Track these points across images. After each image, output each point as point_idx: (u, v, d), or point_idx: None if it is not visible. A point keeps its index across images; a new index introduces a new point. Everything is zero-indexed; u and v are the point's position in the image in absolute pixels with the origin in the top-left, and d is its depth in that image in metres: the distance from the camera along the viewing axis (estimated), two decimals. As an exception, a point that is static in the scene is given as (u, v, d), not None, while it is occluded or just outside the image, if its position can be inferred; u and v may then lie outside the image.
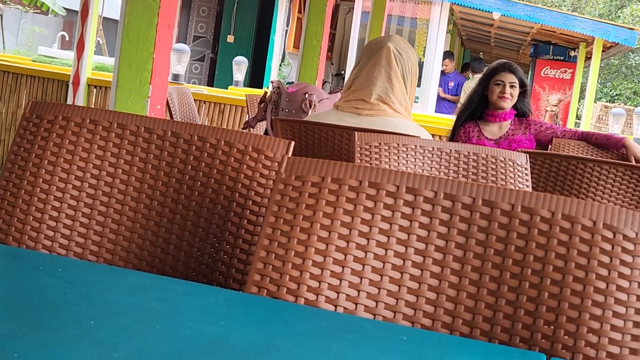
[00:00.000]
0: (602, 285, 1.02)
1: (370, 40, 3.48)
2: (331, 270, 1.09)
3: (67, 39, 14.07)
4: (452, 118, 6.74)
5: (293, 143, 1.32)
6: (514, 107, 3.43)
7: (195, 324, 0.83)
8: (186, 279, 1.22)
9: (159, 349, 0.74)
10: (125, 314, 0.83)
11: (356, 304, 1.09)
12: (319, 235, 1.11)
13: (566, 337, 1.02)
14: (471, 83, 10.12)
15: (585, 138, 3.42)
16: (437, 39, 10.02)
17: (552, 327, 1.02)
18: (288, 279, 1.09)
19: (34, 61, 8.36)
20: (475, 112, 3.49)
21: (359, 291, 1.09)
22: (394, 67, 2.38)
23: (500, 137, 3.40)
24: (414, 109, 3.38)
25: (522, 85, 3.41)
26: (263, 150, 1.34)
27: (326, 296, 1.09)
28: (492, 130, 3.42)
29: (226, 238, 1.32)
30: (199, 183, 1.35)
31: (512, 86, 3.36)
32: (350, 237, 1.11)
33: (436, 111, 9.34)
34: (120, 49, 2.54)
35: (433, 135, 4.96)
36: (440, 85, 9.60)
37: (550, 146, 3.50)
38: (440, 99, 9.69)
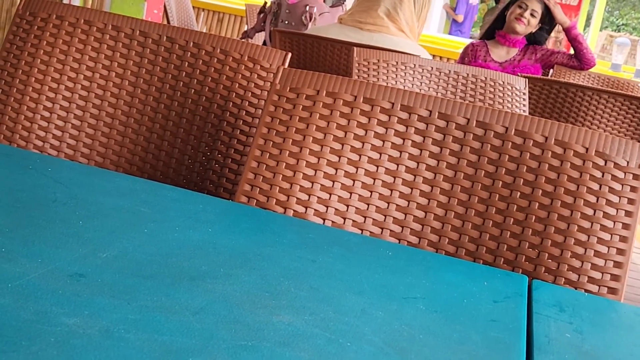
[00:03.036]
0: (589, 211, 1.03)
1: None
2: (321, 184, 1.10)
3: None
4: (457, 39, 6.64)
5: (290, 54, 1.30)
6: (530, 38, 3.36)
7: (183, 229, 0.84)
8: (176, 186, 1.23)
9: (146, 252, 0.75)
10: (113, 216, 0.84)
11: (344, 219, 1.10)
12: (311, 149, 1.10)
13: (550, 260, 1.03)
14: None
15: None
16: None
17: (536, 250, 1.04)
18: (278, 190, 1.09)
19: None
20: (491, 30, 3.43)
21: (348, 206, 1.10)
22: None
23: (506, 61, 3.35)
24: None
25: (545, 20, 3.34)
26: (259, 60, 1.32)
27: (315, 209, 1.10)
28: (500, 53, 3.37)
29: (218, 147, 1.31)
30: (193, 91, 1.33)
31: (532, 14, 3.28)
32: (342, 152, 1.10)
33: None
34: (118, -52, 2.47)
35: (434, 57, 4.90)
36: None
37: (551, 71, 3.46)
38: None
